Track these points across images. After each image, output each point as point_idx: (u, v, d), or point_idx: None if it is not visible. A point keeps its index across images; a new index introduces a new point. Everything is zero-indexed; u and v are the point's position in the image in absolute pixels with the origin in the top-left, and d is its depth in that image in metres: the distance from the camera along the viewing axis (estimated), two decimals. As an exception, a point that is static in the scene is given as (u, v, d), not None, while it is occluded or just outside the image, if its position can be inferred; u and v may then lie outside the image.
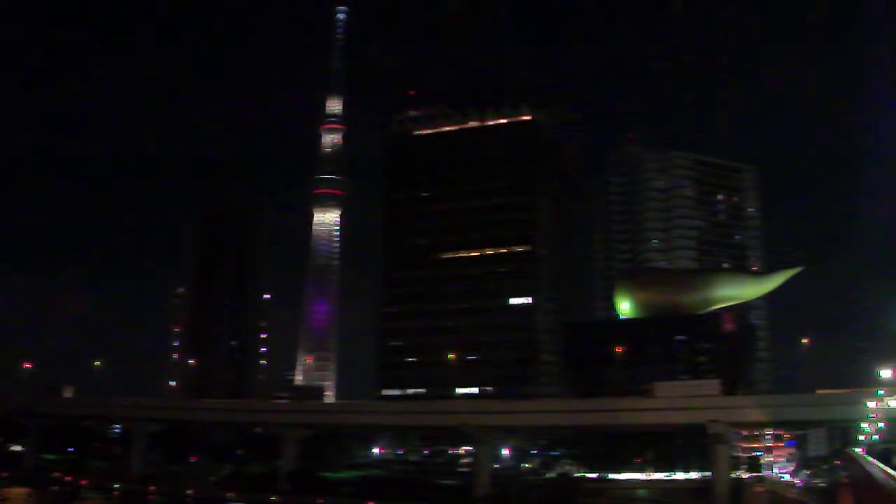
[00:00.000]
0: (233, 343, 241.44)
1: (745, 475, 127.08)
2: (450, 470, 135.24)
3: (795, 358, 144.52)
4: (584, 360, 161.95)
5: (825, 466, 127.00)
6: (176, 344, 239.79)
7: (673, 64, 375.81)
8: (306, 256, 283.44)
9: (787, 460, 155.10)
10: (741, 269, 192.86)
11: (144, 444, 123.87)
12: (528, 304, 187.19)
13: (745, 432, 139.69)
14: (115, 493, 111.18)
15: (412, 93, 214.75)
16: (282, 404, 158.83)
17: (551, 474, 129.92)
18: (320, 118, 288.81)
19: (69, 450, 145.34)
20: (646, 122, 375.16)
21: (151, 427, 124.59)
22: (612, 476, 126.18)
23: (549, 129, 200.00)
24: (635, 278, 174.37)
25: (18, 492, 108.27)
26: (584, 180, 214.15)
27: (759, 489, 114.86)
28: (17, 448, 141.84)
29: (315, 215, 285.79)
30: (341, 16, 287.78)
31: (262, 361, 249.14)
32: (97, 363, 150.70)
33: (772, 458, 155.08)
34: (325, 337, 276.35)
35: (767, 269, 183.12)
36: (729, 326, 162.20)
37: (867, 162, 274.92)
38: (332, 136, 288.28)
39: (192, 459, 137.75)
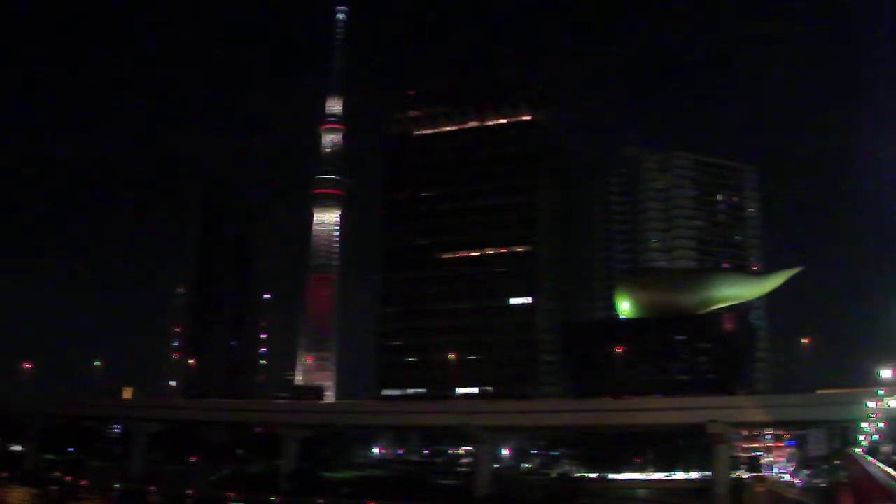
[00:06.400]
0: (233, 343, 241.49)
1: (745, 475, 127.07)
2: (450, 470, 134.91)
3: (795, 358, 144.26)
4: (584, 360, 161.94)
5: (825, 466, 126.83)
6: (176, 344, 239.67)
7: (673, 64, 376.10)
8: (306, 256, 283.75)
9: (787, 460, 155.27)
10: (741, 269, 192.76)
11: (144, 444, 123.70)
12: (528, 304, 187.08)
13: (745, 432, 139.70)
14: (115, 493, 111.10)
15: (412, 93, 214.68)
16: (282, 404, 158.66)
17: (551, 474, 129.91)
18: (320, 118, 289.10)
19: (69, 450, 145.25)
20: (646, 122, 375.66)
21: (151, 427, 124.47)
22: (612, 476, 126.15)
23: (548, 129, 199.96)
24: (635, 278, 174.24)
25: (18, 492, 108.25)
26: (584, 180, 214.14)
27: (759, 489, 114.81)
28: (17, 448, 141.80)
29: (315, 215, 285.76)
30: (341, 16, 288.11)
31: (262, 361, 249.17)
32: (97, 363, 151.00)
33: (772, 458, 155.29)
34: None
35: (767, 269, 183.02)
36: (729, 326, 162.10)
37: (867, 162, 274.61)
38: (332, 136, 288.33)
39: (192, 459, 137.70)
